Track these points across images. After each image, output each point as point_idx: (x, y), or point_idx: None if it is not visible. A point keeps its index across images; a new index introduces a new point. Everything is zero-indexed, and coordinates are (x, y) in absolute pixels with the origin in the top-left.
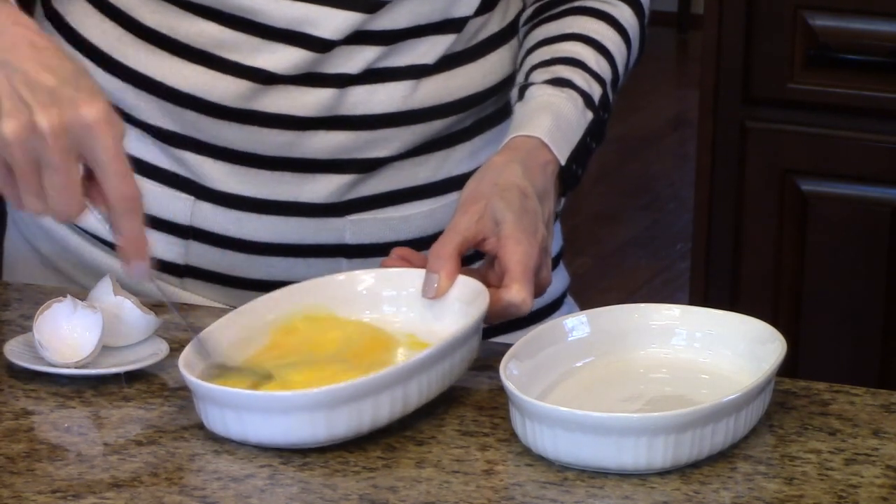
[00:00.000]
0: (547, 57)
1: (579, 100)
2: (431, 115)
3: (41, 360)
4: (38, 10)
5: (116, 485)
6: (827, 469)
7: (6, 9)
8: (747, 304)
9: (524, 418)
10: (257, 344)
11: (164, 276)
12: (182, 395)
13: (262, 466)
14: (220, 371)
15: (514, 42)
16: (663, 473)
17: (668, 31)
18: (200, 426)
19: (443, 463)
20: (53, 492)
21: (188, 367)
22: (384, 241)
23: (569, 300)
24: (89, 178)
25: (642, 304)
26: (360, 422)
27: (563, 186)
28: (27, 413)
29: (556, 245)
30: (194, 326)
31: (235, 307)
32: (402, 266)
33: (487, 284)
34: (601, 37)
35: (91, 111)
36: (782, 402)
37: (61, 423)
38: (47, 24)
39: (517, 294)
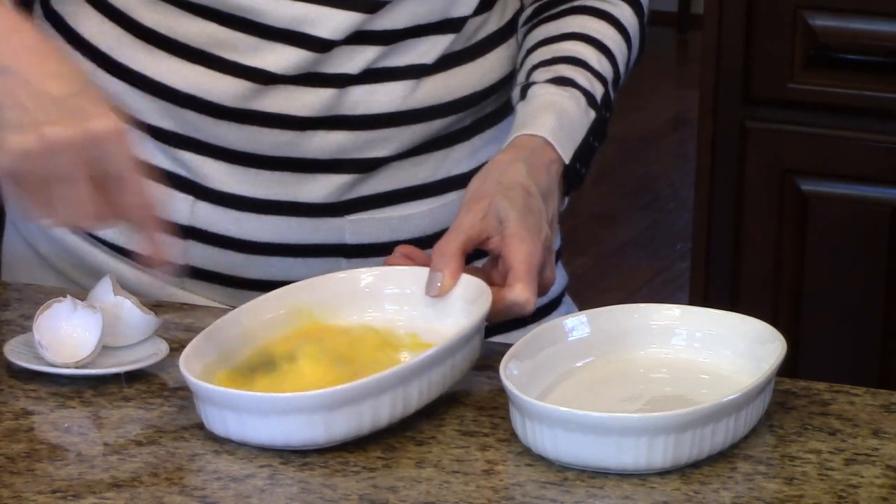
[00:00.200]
0: (548, 56)
1: (582, 99)
2: (431, 114)
3: (41, 360)
4: (37, 10)
5: (116, 485)
6: (827, 469)
7: (6, 15)
8: (747, 304)
9: (524, 418)
10: (262, 340)
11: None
12: (182, 395)
13: (262, 466)
14: (226, 364)
15: (512, 41)
16: (663, 473)
17: (668, 31)
18: (200, 426)
19: (443, 463)
20: (53, 492)
21: (188, 367)
22: (384, 241)
23: (567, 300)
24: (98, 187)
25: (642, 304)
26: (360, 423)
27: (567, 185)
28: (27, 413)
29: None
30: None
31: (235, 307)
32: (406, 264)
33: (491, 283)
34: (602, 36)
35: (101, 122)
36: (782, 402)
37: (61, 423)
38: (46, 25)
39: (521, 293)
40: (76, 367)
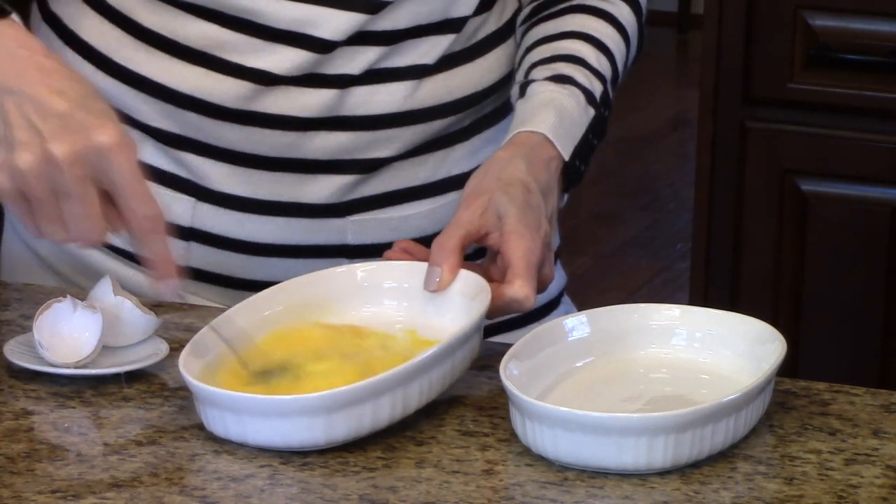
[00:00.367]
0: (547, 54)
1: (581, 96)
2: (432, 114)
3: (41, 360)
4: (35, 12)
5: (116, 485)
6: (827, 469)
7: (11, 30)
8: (747, 304)
9: (524, 418)
10: (261, 338)
11: None
12: (182, 395)
13: (262, 466)
14: (227, 364)
15: (511, 41)
16: (663, 473)
17: (668, 31)
18: (200, 426)
19: (443, 463)
20: (53, 492)
21: (188, 368)
22: (385, 241)
23: (566, 300)
24: (108, 200)
25: (642, 304)
26: (360, 425)
27: (567, 182)
28: (27, 413)
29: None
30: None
31: None
32: (405, 258)
33: (490, 279)
34: (601, 34)
35: (104, 136)
36: (782, 402)
37: (61, 423)
38: (45, 28)
39: (520, 290)
40: (76, 367)
